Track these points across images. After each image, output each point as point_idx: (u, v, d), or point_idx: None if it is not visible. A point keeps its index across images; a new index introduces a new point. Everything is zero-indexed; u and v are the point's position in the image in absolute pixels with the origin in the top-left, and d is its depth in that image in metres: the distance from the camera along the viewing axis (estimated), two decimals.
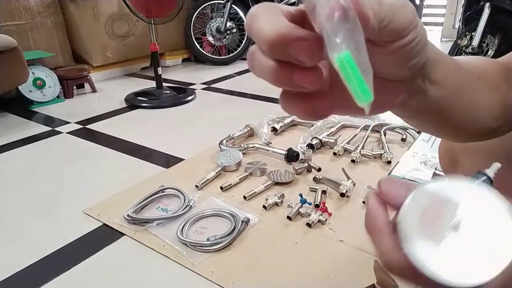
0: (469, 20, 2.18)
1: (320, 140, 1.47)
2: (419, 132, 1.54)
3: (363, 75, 0.21)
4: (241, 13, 3.05)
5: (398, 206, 0.28)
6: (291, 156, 1.35)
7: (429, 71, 0.31)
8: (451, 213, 0.25)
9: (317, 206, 1.08)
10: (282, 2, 3.41)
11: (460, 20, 2.45)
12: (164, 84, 2.29)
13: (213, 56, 3.11)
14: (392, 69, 0.28)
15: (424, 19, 5.46)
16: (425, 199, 0.27)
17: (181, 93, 2.25)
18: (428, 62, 0.30)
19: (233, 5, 2.98)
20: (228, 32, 3.02)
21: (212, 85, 2.54)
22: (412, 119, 0.37)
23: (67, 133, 1.75)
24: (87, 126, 1.83)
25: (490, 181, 0.29)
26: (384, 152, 1.38)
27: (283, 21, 0.23)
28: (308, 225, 1.01)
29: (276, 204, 1.11)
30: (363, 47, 0.21)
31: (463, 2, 2.41)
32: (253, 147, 1.47)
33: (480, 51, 2.08)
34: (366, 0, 0.21)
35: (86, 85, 2.42)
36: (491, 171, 0.29)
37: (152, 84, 2.33)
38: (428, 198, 0.27)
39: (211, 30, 3.02)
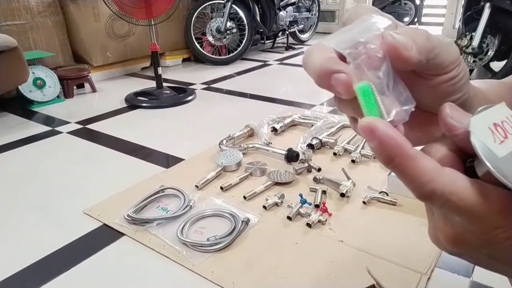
0: (469, 20, 2.18)
1: (320, 140, 1.47)
2: None
3: (383, 101, 0.24)
4: (241, 13, 3.05)
5: (463, 129, 0.25)
6: (291, 156, 1.35)
7: (468, 107, 0.31)
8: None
9: (317, 206, 1.08)
10: (283, 2, 3.41)
11: (460, 20, 2.45)
12: (164, 84, 2.29)
13: (213, 56, 3.11)
14: (438, 101, 0.29)
15: (424, 19, 5.46)
16: (503, 113, 0.25)
17: (181, 93, 2.25)
18: (469, 99, 0.31)
19: (233, 5, 2.98)
20: (228, 32, 3.02)
21: (212, 85, 2.54)
22: None
23: (67, 133, 1.75)
24: (87, 126, 1.83)
25: None
26: None
27: (330, 56, 0.26)
28: (308, 225, 1.01)
29: (276, 204, 1.11)
30: (391, 79, 0.25)
31: (463, 2, 2.41)
32: (253, 147, 1.47)
33: (480, 51, 2.08)
34: (406, 39, 0.24)
35: (86, 85, 2.42)
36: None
37: (152, 84, 2.33)
38: (506, 115, 0.25)
39: (211, 30, 3.02)
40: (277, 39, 4.00)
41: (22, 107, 2.09)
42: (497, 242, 0.24)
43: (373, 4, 4.68)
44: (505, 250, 0.25)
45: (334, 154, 1.41)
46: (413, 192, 0.24)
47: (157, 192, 1.17)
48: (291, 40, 3.95)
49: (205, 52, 3.09)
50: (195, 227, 1.03)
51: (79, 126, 1.83)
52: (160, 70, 2.19)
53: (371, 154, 1.39)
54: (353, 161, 1.36)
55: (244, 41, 3.11)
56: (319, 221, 1.02)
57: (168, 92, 2.22)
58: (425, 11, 5.47)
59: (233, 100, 2.23)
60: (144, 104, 2.11)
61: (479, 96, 0.33)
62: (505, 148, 0.24)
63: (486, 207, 0.24)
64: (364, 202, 1.11)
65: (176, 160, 1.44)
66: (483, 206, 0.24)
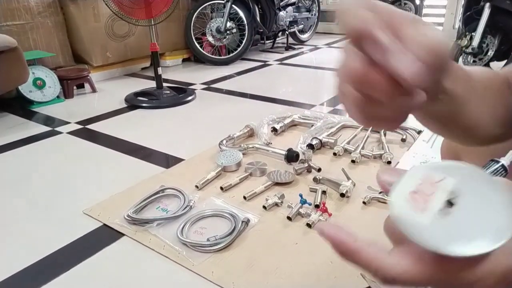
0: (469, 21, 2.18)
1: (320, 141, 1.47)
2: (419, 133, 1.54)
3: None
4: (241, 13, 3.04)
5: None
6: (291, 156, 1.35)
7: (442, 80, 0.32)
8: (445, 190, 0.24)
9: (317, 206, 1.08)
10: (283, 3, 3.41)
11: (460, 20, 2.45)
12: (164, 84, 2.29)
13: (213, 56, 3.11)
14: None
15: (424, 19, 5.46)
16: (418, 178, 0.26)
17: (181, 93, 2.25)
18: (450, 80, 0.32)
19: (233, 5, 2.98)
20: (228, 32, 3.02)
21: (212, 85, 2.54)
22: (421, 122, 0.39)
23: (67, 133, 1.75)
24: (87, 126, 1.83)
25: (505, 170, 0.28)
26: (384, 153, 1.38)
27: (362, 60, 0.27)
28: (308, 225, 1.01)
29: (276, 204, 1.11)
30: None
31: (463, 3, 2.41)
32: (253, 147, 1.47)
33: (480, 51, 2.08)
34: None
35: (86, 85, 2.42)
36: (507, 160, 0.28)
37: (152, 84, 2.33)
38: (422, 177, 0.25)
39: (211, 30, 3.02)
40: (277, 39, 4.00)
41: (22, 107, 2.09)
42: None
43: None
44: None
45: (334, 154, 1.41)
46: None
47: (157, 192, 1.17)
48: (291, 40, 3.95)
49: (205, 52, 3.09)
50: (195, 227, 1.03)
51: (79, 126, 1.83)
52: (160, 70, 2.19)
53: (371, 154, 1.39)
54: (353, 161, 1.36)
55: (244, 41, 3.11)
56: (319, 221, 1.02)
57: (168, 92, 2.22)
58: (425, 11, 5.46)
59: (233, 100, 2.23)
60: (144, 104, 2.11)
61: (450, 70, 0.32)
62: (429, 213, 0.24)
63: (438, 269, 0.24)
64: (364, 202, 1.11)
65: (176, 160, 1.44)
66: (434, 271, 0.24)
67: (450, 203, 0.24)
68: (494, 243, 0.22)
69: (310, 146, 1.44)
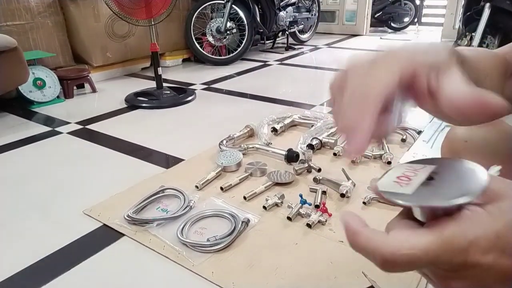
0: (469, 21, 2.18)
1: (320, 141, 1.47)
2: (419, 133, 1.54)
3: None
4: (241, 13, 3.05)
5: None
6: (291, 156, 1.35)
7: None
8: (425, 172, 0.29)
9: (317, 206, 1.08)
10: (283, 3, 3.41)
11: (460, 20, 2.46)
12: (164, 84, 2.29)
13: (213, 56, 3.11)
14: None
15: (424, 19, 5.46)
16: (402, 169, 0.30)
17: (181, 93, 2.25)
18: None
19: (233, 6, 2.98)
20: (228, 32, 3.02)
21: (212, 85, 2.54)
22: None
23: (67, 133, 1.75)
24: (87, 127, 1.83)
25: None
26: (384, 153, 1.38)
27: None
28: (308, 225, 1.01)
29: (276, 204, 1.11)
30: None
31: (463, 3, 2.41)
32: (253, 147, 1.47)
33: None
34: None
35: (86, 85, 2.42)
36: (491, 173, 0.30)
37: (152, 84, 2.33)
38: (405, 168, 0.30)
39: (211, 30, 3.02)
40: (277, 39, 4.01)
41: (22, 107, 2.09)
42: (472, 265, 0.25)
43: (373, 4, 4.68)
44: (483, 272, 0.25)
45: (334, 154, 1.41)
46: (377, 266, 0.27)
47: (157, 193, 1.17)
48: (291, 40, 3.95)
49: (205, 53, 3.09)
50: (195, 228, 1.03)
51: (79, 127, 1.83)
52: (160, 70, 2.19)
53: (371, 155, 1.39)
54: (353, 161, 1.36)
55: (244, 42, 3.11)
56: (319, 221, 1.02)
57: (168, 92, 2.22)
58: (425, 11, 5.47)
59: (233, 101, 2.23)
60: (144, 105, 2.11)
61: (467, 66, 0.32)
62: (412, 186, 0.28)
63: (431, 239, 0.25)
64: (364, 203, 1.11)
65: (176, 160, 1.44)
66: (428, 241, 0.25)
67: (430, 178, 0.28)
68: (468, 198, 0.25)
69: (310, 146, 1.44)
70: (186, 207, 1.09)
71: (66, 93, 2.26)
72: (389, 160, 1.34)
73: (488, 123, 0.46)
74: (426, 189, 0.27)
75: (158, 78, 2.20)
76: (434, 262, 0.25)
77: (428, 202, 0.26)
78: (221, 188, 1.20)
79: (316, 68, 3.09)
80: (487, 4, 2.02)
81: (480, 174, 0.27)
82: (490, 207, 0.26)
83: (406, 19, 5.04)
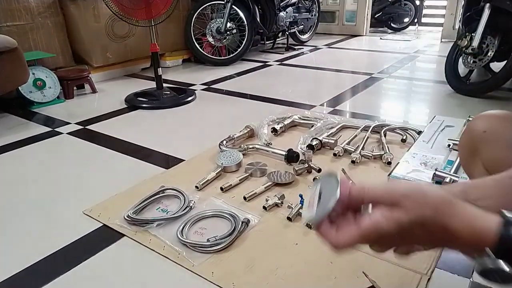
0: (469, 21, 2.18)
1: (320, 141, 1.47)
2: (419, 133, 1.54)
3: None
4: (241, 14, 3.05)
5: None
6: (291, 157, 1.35)
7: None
8: (317, 194, 0.46)
9: None
10: (283, 3, 3.41)
11: (460, 20, 2.45)
12: (164, 85, 2.30)
13: (213, 57, 3.11)
14: None
15: (424, 20, 5.46)
16: (308, 198, 0.47)
17: (181, 94, 2.25)
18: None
19: (233, 6, 2.98)
20: (228, 32, 3.02)
21: (212, 86, 2.54)
22: None
23: (67, 133, 1.75)
24: (87, 127, 1.83)
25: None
26: (384, 153, 1.38)
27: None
28: (308, 226, 1.01)
29: (276, 205, 1.11)
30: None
31: (463, 3, 2.41)
32: (253, 147, 1.47)
33: (480, 52, 2.08)
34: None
35: (86, 86, 2.42)
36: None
37: (152, 84, 2.33)
38: (309, 196, 0.47)
39: (211, 31, 3.02)
40: (277, 39, 4.01)
41: (22, 108, 2.09)
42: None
43: (372, 5, 4.68)
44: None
45: (334, 154, 1.41)
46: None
47: (157, 193, 1.17)
48: (291, 40, 3.95)
49: (205, 53, 3.09)
50: (195, 228, 1.03)
51: (79, 127, 1.83)
52: (160, 70, 2.19)
53: (371, 155, 1.39)
54: (353, 161, 1.36)
55: (244, 42, 3.11)
56: None
57: (168, 92, 2.22)
58: (425, 11, 5.47)
59: (233, 101, 2.23)
60: (144, 105, 2.11)
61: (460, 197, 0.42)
62: (314, 207, 0.45)
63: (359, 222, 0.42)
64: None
65: (176, 160, 1.44)
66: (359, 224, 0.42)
67: (320, 197, 0.45)
68: (334, 201, 0.42)
69: (310, 146, 1.44)
70: (186, 208, 1.09)
71: (66, 94, 2.26)
72: (389, 160, 1.35)
73: (506, 117, 0.59)
74: (319, 207, 0.44)
75: (158, 79, 2.20)
76: (362, 242, 0.42)
77: (317, 219, 0.44)
78: (221, 189, 1.20)
79: (316, 68, 3.09)
80: (487, 5, 2.01)
81: (336, 190, 0.43)
82: (391, 213, 0.40)
83: (406, 20, 5.04)
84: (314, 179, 1.23)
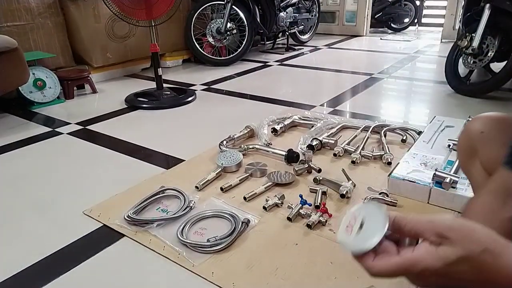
0: (469, 21, 2.18)
1: (320, 141, 1.47)
2: (419, 133, 1.54)
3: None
4: (241, 14, 3.05)
5: None
6: (291, 157, 1.35)
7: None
8: (359, 220, 0.43)
9: (317, 207, 1.08)
10: (283, 3, 3.41)
11: (460, 21, 2.45)
12: (165, 85, 2.30)
13: (213, 57, 3.11)
14: None
15: (424, 20, 5.46)
16: (348, 218, 0.45)
17: (181, 94, 2.25)
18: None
19: (233, 6, 2.98)
20: (228, 33, 3.02)
21: (212, 86, 2.54)
22: None
23: (68, 134, 1.75)
24: (87, 127, 1.83)
25: None
26: (385, 153, 1.38)
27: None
28: (309, 226, 1.01)
29: (276, 205, 1.11)
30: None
31: (463, 3, 2.41)
32: (253, 148, 1.47)
33: (480, 52, 2.08)
34: None
35: (87, 86, 2.42)
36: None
37: (152, 85, 2.33)
38: (349, 217, 0.45)
39: (211, 31, 3.02)
40: (277, 40, 4.01)
41: (23, 108, 2.09)
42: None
43: (373, 6, 4.68)
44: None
45: (334, 155, 1.41)
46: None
47: (157, 193, 1.17)
48: (291, 41, 3.95)
49: (205, 53, 3.09)
50: (195, 228, 1.03)
51: (79, 127, 1.83)
52: (160, 71, 2.19)
53: (371, 155, 1.39)
54: (353, 162, 1.36)
55: (244, 42, 3.11)
56: (319, 222, 1.02)
57: (168, 93, 2.22)
58: (425, 12, 5.47)
59: (233, 101, 2.23)
60: (144, 105, 2.11)
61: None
62: (352, 235, 0.43)
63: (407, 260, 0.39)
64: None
65: (176, 160, 1.44)
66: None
67: (362, 225, 0.43)
68: (378, 239, 0.40)
69: (310, 147, 1.44)
70: (186, 208, 1.09)
71: (67, 94, 2.26)
72: (389, 160, 1.35)
73: (501, 118, 0.60)
74: (359, 234, 0.43)
75: (158, 79, 2.20)
76: (400, 275, 0.40)
77: (361, 248, 0.41)
78: (221, 189, 1.20)
79: (316, 68, 3.09)
80: (487, 5, 2.01)
81: (384, 226, 0.41)
82: (436, 248, 0.38)
83: (406, 20, 5.04)
84: (314, 179, 1.23)
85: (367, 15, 4.58)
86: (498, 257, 0.35)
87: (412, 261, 0.38)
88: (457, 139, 1.33)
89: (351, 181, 1.19)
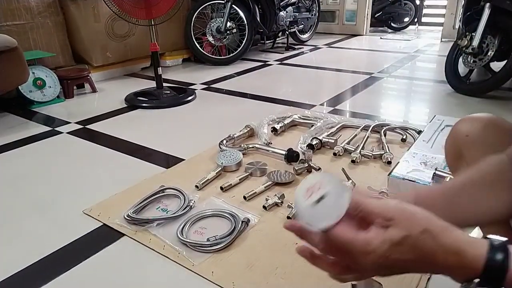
0: (469, 21, 2.18)
1: (320, 141, 1.47)
2: (419, 133, 1.54)
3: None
4: (241, 13, 3.04)
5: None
6: (291, 156, 1.35)
7: None
8: (321, 192, 0.43)
9: None
10: (283, 3, 3.41)
11: (460, 20, 2.45)
12: (164, 84, 2.29)
13: (213, 56, 3.11)
14: None
15: (424, 19, 5.46)
16: (315, 181, 0.44)
17: (181, 93, 2.25)
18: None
19: (233, 5, 2.98)
20: (228, 32, 3.02)
21: (212, 85, 2.54)
22: None
23: (67, 133, 1.75)
24: (87, 126, 1.83)
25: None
26: (384, 153, 1.38)
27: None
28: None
29: (276, 204, 1.11)
30: None
31: (463, 3, 2.41)
32: (253, 147, 1.47)
33: (480, 51, 2.08)
34: None
35: (86, 85, 2.42)
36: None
37: (152, 84, 2.33)
38: (315, 182, 0.44)
39: (211, 30, 3.02)
40: (277, 39, 4.00)
41: (22, 107, 2.09)
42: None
43: (373, 5, 4.68)
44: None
45: (334, 154, 1.41)
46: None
47: (157, 192, 1.17)
48: (291, 40, 3.95)
49: (205, 52, 3.09)
50: (195, 227, 1.03)
51: (79, 126, 1.83)
52: (160, 70, 2.19)
53: (371, 155, 1.39)
54: (353, 161, 1.36)
55: (244, 41, 3.11)
56: None
57: (168, 92, 2.22)
58: (425, 11, 5.47)
59: (233, 100, 2.23)
60: (144, 104, 2.11)
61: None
62: (306, 202, 0.43)
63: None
64: None
65: (176, 160, 1.44)
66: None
67: (322, 198, 0.42)
68: (332, 223, 0.41)
69: (310, 146, 1.44)
70: (186, 207, 1.09)
71: (66, 93, 2.26)
72: (389, 160, 1.35)
73: (488, 121, 0.59)
74: (315, 207, 0.42)
75: (158, 78, 2.20)
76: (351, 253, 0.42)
77: (307, 220, 0.43)
78: (221, 188, 1.20)
79: (316, 68, 3.09)
80: (487, 4, 2.01)
81: (343, 207, 0.42)
82: (384, 231, 0.40)
83: (406, 19, 5.04)
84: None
85: (367, 14, 4.58)
86: (437, 237, 0.38)
87: (364, 241, 0.40)
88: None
89: (351, 181, 1.19)
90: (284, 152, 1.37)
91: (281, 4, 3.40)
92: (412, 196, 0.53)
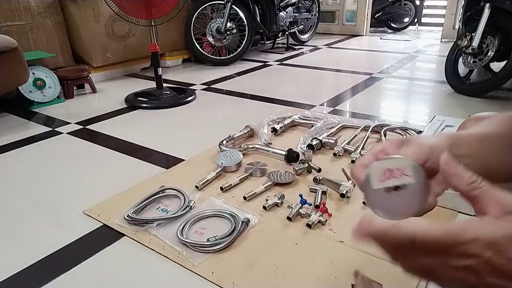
0: (469, 21, 2.18)
1: (320, 141, 1.47)
2: (419, 133, 1.54)
3: None
4: (241, 14, 3.05)
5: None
6: (291, 156, 1.35)
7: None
8: (401, 181, 0.38)
9: (317, 206, 1.08)
10: (283, 3, 3.41)
11: (460, 20, 2.45)
12: (164, 85, 2.30)
13: (213, 57, 3.11)
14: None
15: (424, 20, 5.46)
16: (399, 164, 0.39)
17: (181, 94, 2.25)
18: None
19: (233, 6, 2.98)
20: (228, 32, 3.02)
21: (212, 86, 2.54)
22: None
23: (67, 133, 1.75)
24: (87, 127, 1.83)
25: None
26: None
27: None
28: (308, 225, 1.01)
29: (276, 204, 1.11)
30: None
31: (463, 3, 2.41)
32: (253, 147, 1.47)
33: (480, 51, 2.08)
34: None
35: (86, 86, 2.42)
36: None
37: (152, 84, 2.33)
38: (400, 165, 0.38)
39: (211, 31, 3.02)
40: (277, 39, 4.01)
41: (23, 107, 2.09)
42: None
43: (372, 5, 4.68)
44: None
45: (334, 154, 1.41)
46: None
47: (157, 193, 1.17)
48: (291, 40, 3.95)
49: (205, 53, 3.09)
50: (195, 228, 1.03)
51: (79, 127, 1.83)
52: (160, 70, 2.19)
53: None
54: (353, 161, 1.36)
55: (244, 42, 3.11)
56: (319, 221, 1.02)
57: (168, 92, 2.22)
58: (425, 11, 5.47)
59: (233, 101, 2.23)
60: (144, 105, 2.11)
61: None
62: (381, 184, 0.38)
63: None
64: (364, 203, 1.11)
65: (176, 160, 1.44)
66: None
67: (397, 188, 0.38)
68: (407, 215, 0.36)
69: (310, 146, 1.44)
70: (186, 207, 1.09)
71: (66, 94, 2.26)
72: None
73: (498, 123, 0.56)
74: (389, 194, 0.38)
75: (158, 79, 2.20)
76: (441, 250, 0.32)
77: (375, 210, 0.38)
78: (221, 188, 1.20)
79: (316, 68, 3.09)
80: (487, 4, 2.01)
81: (421, 200, 0.38)
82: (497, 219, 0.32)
83: (406, 20, 5.04)
84: (314, 179, 1.23)
85: (367, 15, 4.58)
86: None
87: (460, 228, 0.31)
88: None
89: (351, 181, 1.19)
90: (284, 153, 1.37)
91: (281, 4, 3.40)
92: (450, 141, 0.46)
